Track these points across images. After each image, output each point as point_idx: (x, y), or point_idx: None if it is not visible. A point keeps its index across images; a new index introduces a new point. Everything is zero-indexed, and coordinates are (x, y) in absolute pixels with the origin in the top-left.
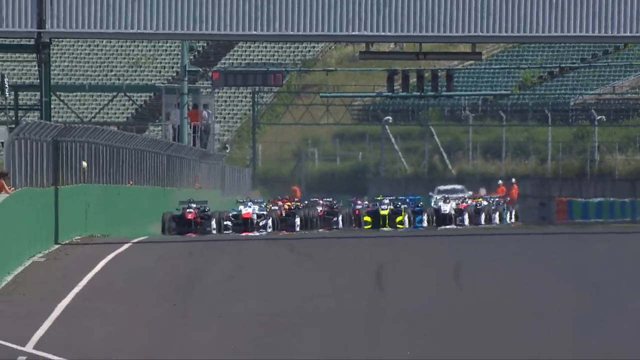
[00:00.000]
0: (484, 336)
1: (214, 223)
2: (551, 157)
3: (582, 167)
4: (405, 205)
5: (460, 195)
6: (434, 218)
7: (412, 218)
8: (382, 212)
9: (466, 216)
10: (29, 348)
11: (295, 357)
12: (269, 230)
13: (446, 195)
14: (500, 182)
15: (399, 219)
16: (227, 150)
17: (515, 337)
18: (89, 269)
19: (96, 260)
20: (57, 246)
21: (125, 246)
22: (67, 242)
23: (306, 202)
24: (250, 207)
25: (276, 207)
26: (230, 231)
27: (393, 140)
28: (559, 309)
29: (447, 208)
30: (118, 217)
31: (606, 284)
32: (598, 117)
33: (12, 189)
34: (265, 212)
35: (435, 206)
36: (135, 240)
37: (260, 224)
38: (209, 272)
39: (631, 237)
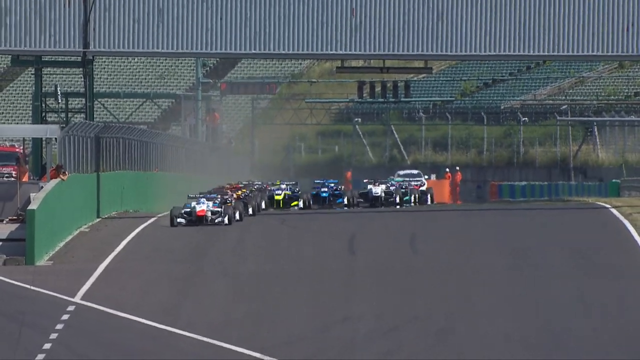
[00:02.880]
0: (434, 287)
1: (226, 219)
2: (486, 150)
3: (509, 158)
4: (298, 189)
5: (416, 178)
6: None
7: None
8: (276, 197)
9: (397, 198)
10: (77, 299)
11: (286, 304)
12: (225, 224)
13: (374, 180)
14: (447, 169)
15: (294, 203)
16: (232, 144)
17: (456, 286)
18: (124, 237)
19: (129, 230)
20: (98, 219)
21: (152, 220)
22: (106, 216)
23: (257, 186)
24: (203, 203)
25: (227, 196)
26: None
27: (362, 136)
28: (490, 264)
29: (378, 190)
30: (146, 196)
31: (525, 245)
32: (522, 119)
33: (65, 173)
34: (220, 209)
35: (365, 189)
36: (160, 215)
37: (216, 220)
38: (218, 240)
39: (546, 212)
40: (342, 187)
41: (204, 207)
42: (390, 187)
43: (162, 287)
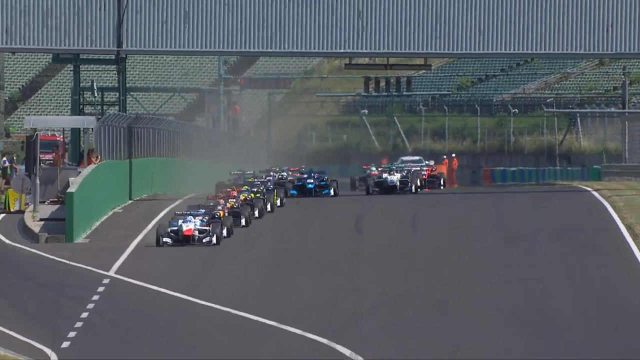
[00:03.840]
0: (433, 265)
1: (214, 239)
2: (479, 139)
3: (501, 146)
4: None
5: (418, 163)
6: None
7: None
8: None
9: (413, 187)
10: (111, 273)
11: (298, 278)
12: (213, 244)
13: (391, 168)
14: (444, 157)
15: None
16: (251, 134)
17: (454, 264)
18: (153, 217)
19: (158, 211)
20: (130, 201)
21: (178, 201)
22: (137, 198)
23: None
24: (190, 221)
25: (215, 210)
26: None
27: (368, 126)
28: (485, 244)
29: (394, 179)
30: (174, 180)
31: (516, 226)
32: (513, 110)
33: (99, 159)
34: (207, 228)
35: (380, 178)
36: (186, 197)
37: (204, 240)
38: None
39: (534, 195)
40: (327, 177)
41: (191, 226)
42: (404, 172)
43: (187, 263)
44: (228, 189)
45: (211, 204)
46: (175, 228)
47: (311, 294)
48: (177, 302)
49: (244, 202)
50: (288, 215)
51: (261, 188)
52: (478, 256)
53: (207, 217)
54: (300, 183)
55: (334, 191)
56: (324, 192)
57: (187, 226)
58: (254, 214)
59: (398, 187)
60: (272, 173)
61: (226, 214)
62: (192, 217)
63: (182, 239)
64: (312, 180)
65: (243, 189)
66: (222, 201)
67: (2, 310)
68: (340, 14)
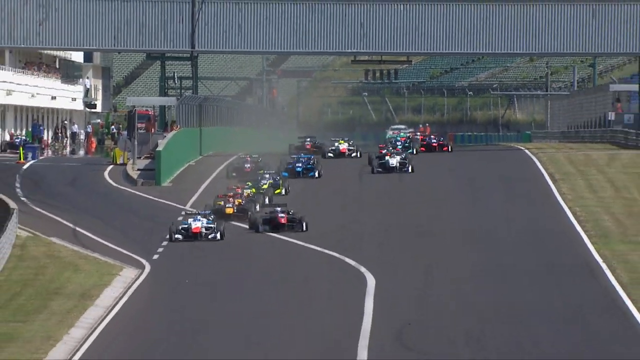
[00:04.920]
0: (416, 204)
1: (218, 235)
2: (446, 113)
3: (461, 118)
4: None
5: (403, 130)
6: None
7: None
8: (263, 187)
9: (410, 168)
10: (187, 207)
11: (317, 215)
12: (219, 239)
13: (392, 152)
14: (420, 125)
15: (277, 191)
16: (285, 110)
17: (431, 201)
18: (217, 168)
19: (220, 163)
20: (200, 157)
21: (233, 157)
22: (205, 155)
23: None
24: (199, 220)
25: (229, 204)
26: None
27: (367, 104)
28: (452, 187)
29: (394, 162)
30: (230, 142)
31: (473, 172)
32: (469, 93)
33: (178, 127)
34: (213, 226)
35: (382, 160)
36: (240, 154)
37: (210, 236)
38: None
39: (484, 152)
40: (313, 160)
41: (199, 224)
42: (407, 140)
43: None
44: (233, 187)
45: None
46: (186, 226)
47: (327, 224)
48: (237, 228)
49: (247, 198)
50: (304, 190)
51: (270, 180)
52: (447, 196)
53: (212, 217)
54: (290, 166)
55: (319, 173)
56: (309, 175)
57: (196, 224)
58: (257, 209)
59: (397, 168)
60: (308, 139)
61: (235, 211)
62: (200, 216)
63: (191, 235)
64: (300, 164)
65: (246, 186)
66: (230, 199)
67: (109, 233)
68: (348, 25)
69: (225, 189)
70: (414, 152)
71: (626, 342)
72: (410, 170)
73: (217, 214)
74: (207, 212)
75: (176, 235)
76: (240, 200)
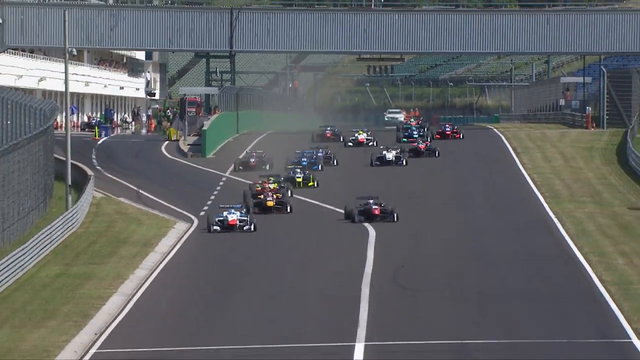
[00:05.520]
0: (408, 172)
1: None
2: (431, 100)
3: (443, 104)
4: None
5: (399, 115)
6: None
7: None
8: (297, 180)
9: (404, 161)
10: (227, 174)
11: (329, 181)
12: (252, 231)
13: (389, 147)
14: (411, 109)
15: (310, 184)
16: (304, 97)
17: (418, 170)
18: (251, 142)
19: (253, 139)
20: (237, 134)
21: (265, 135)
22: (241, 133)
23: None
24: (234, 214)
25: (270, 197)
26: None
27: (369, 93)
28: (436, 161)
29: (390, 156)
30: (261, 123)
31: (452, 147)
32: (450, 84)
33: (219, 111)
34: (246, 218)
35: (380, 154)
36: (269, 132)
37: (244, 228)
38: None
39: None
40: (318, 153)
41: (234, 217)
42: (421, 129)
43: (276, 155)
44: (259, 182)
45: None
46: (222, 218)
47: (338, 192)
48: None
49: (272, 191)
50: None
51: (302, 174)
52: (433, 168)
53: (244, 210)
54: (295, 160)
55: (321, 167)
56: (313, 168)
57: (232, 217)
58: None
59: (393, 162)
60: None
61: (274, 204)
62: (233, 209)
63: (227, 227)
64: (305, 159)
65: (269, 181)
66: (269, 193)
67: (165, 194)
68: (354, 30)
69: (250, 185)
70: (430, 138)
71: (571, 279)
72: (404, 163)
73: (258, 207)
74: (239, 205)
75: (214, 227)
76: (279, 194)
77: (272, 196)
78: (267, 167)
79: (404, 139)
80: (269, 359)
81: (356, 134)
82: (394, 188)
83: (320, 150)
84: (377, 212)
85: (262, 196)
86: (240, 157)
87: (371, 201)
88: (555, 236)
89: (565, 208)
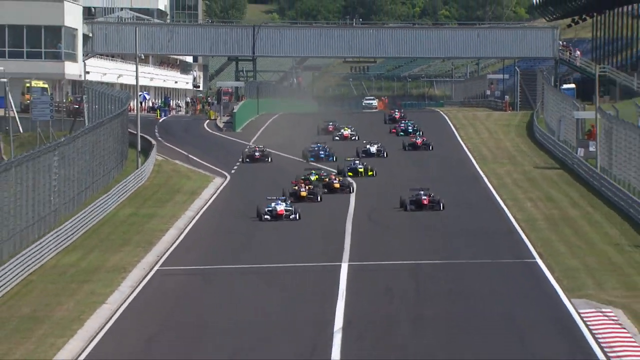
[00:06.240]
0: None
1: (297, 216)
2: (395, 91)
3: (404, 94)
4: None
5: (373, 101)
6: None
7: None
8: (359, 170)
9: (385, 153)
10: (250, 143)
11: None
12: (298, 219)
13: (372, 143)
14: (382, 98)
15: (370, 173)
16: (305, 89)
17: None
18: (268, 120)
19: (269, 118)
20: (258, 115)
21: (277, 115)
22: (260, 114)
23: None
24: (281, 204)
25: (303, 189)
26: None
27: (352, 87)
28: (398, 139)
29: (373, 149)
30: (274, 107)
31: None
32: (409, 79)
33: (245, 98)
34: (292, 208)
35: (365, 148)
36: (281, 113)
37: (290, 217)
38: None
39: (419, 113)
40: (328, 148)
41: (282, 207)
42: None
43: (291, 139)
44: (305, 175)
45: (295, 187)
46: (271, 209)
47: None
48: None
49: (314, 182)
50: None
51: (362, 165)
52: (395, 145)
53: (289, 201)
54: (314, 152)
55: (335, 158)
56: (329, 160)
57: (280, 207)
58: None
59: (376, 154)
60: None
61: (307, 195)
62: (280, 201)
63: (276, 216)
64: (322, 151)
65: (311, 173)
66: (303, 185)
67: (206, 157)
68: (341, 41)
69: (295, 177)
70: (386, 155)
71: (494, 218)
72: (385, 155)
73: (293, 196)
74: (283, 197)
75: (265, 216)
76: (310, 186)
77: (305, 187)
78: (269, 160)
79: (401, 133)
80: (284, 272)
81: (342, 130)
82: (376, 165)
83: (319, 145)
84: (426, 202)
85: (296, 187)
86: (246, 150)
87: (422, 192)
88: (483, 187)
89: (490, 167)
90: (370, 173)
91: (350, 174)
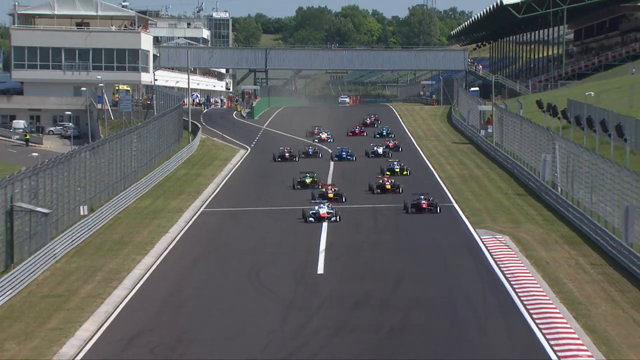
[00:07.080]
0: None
1: (337, 218)
2: (362, 93)
3: (367, 94)
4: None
5: (346, 98)
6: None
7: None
8: (396, 170)
9: (389, 154)
10: (264, 127)
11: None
12: (338, 221)
13: (379, 145)
14: (352, 96)
15: (405, 172)
16: (301, 91)
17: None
18: (277, 111)
19: (275, 110)
20: (268, 108)
21: (282, 108)
22: (270, 107)
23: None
24: (323, 208)
25: (330, 190)
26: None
27: (331, 89)
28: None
29: (380, 150)
30: (280, 103)
31: (370, 113)
32: (371, 85)
33: (259, 98)
34: (332, 211)
35: (371, 150)
36: (284, 107)
37: (332, 219)
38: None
39: (376, 106)
40: (350, 151)
41: (324, 210)
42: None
43: (302, 125)
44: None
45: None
46: (315, 212)
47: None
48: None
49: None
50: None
51: (398, 165)
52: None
53: (330, 204)
54: (338, 154)
55: (355, 158)
56: (350, 159)
57: (322, 211)
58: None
59: (382, 154)
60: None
61: (333, 195)
62: (322, 204)
63: (319, 218)
64: (344, 153)
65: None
66: (330, 187)
67: (234, 136)
68: (326, 58)
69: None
70: (380, 152)
71: (424, 177)
72: (390, 155)
73: (321, 197)
74: (325, 201)
75: (309, 219)
76: (336, 188)
77: (332, 189)
78: (297, 160)
79: (377, 135)
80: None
81: (320, 134)
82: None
83: (344, 148)
84: (425, 205)
85: (324, 189)
86: (277, 153)
87: (422, 197)
88: (417, 156)
89: (422, 143)
90: (405, 173)
91: (388, 172)
